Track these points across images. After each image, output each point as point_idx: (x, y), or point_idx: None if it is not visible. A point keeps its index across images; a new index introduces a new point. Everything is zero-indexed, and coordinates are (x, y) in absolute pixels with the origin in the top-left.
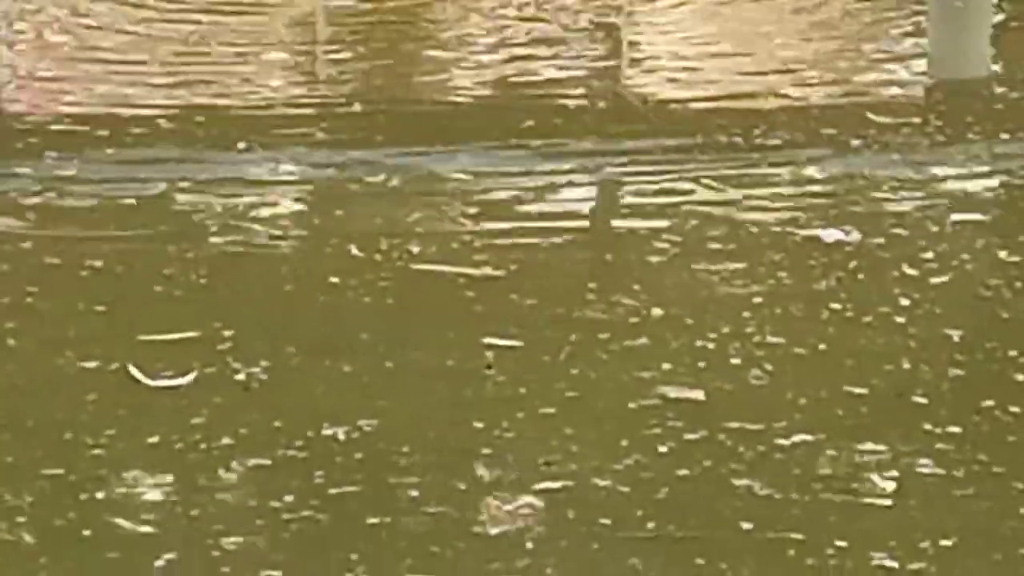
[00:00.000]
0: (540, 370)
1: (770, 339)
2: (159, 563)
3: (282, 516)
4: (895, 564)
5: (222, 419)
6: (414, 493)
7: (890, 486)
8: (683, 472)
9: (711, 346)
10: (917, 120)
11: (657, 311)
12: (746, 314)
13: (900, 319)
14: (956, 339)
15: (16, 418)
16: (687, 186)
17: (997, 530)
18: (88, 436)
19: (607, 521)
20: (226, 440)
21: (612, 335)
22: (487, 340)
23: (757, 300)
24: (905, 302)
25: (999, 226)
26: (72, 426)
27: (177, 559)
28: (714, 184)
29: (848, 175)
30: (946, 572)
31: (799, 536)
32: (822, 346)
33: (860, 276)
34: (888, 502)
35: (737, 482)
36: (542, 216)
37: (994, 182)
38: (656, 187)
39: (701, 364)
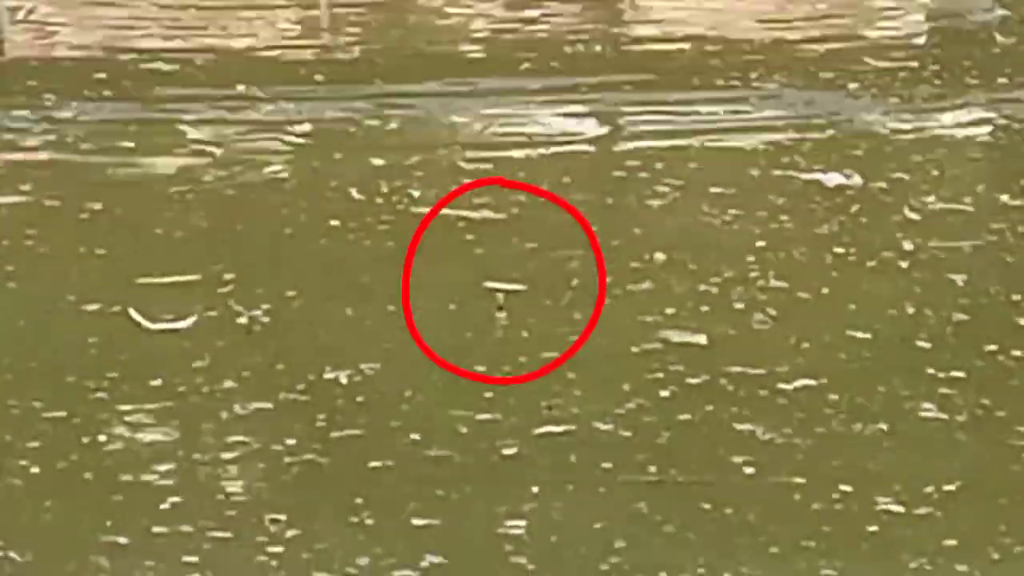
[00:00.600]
0: (542, 314)
1: (773, 283)
2: (164, 506)
3: (284, 460)
4: (901, 508)
5: (224, 362)
6: (416, 437)
7: (893, 431)
8: (685, 417)
9: (714, 290)
10: (915, 65)
11: (660, 255)
12: (749, 258)
13: (903, 263)
14: (960, 284)
15: (18, 361)
16: (686, 130)
17: (1000, 475)
18: (90, 379)
19: (609, 465)
20: (228, 383)
21: (615, 279)
22: (489, 284)
23: (760, 244)
24: (908, 246)
25: (1000, 171)
26: (74, 369)
27: (182, 502)
28: (713, 127)
29: (847, 119)
30: (951, 517)
31: (801, 480)
32: (825, 290)
33: (863, 220)
34: (890, 447)
35: (739, 427)
36: (541, 159)
37: (989, 126)
38: (656, 130)
39: (704, 308)
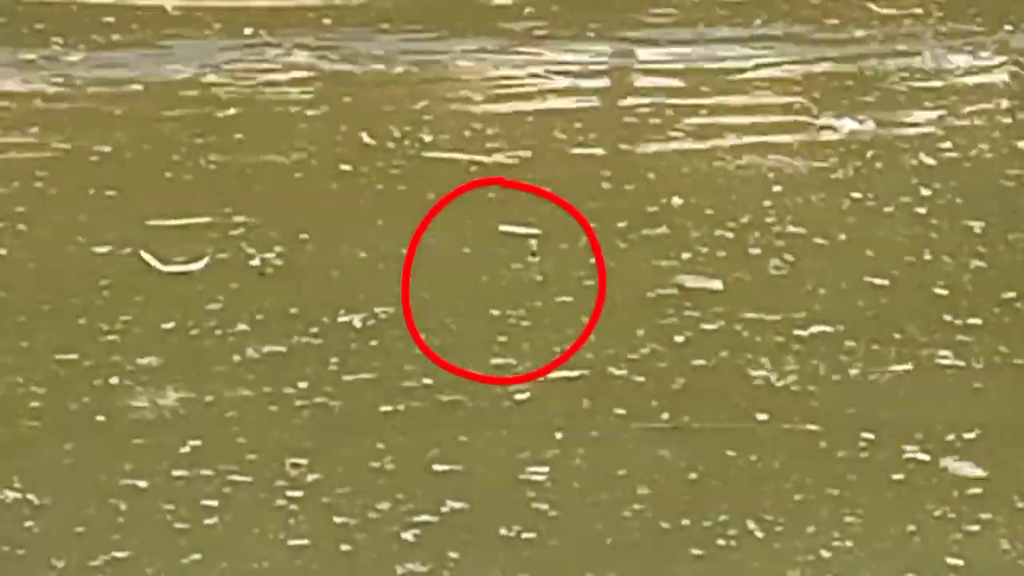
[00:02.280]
0: (557, 258)
1: (790, 229)
2: (184, 449)
3: (295, 403)
4: (926, 456)
5: (237, 305)
6: (428, 381)
7: (909, 378)
8: (699, 362)
9: (730, 235)
10: (921, 11)
11: (677, 200)
12: (766, 203)
13: (921, 210)
14: (977, 231)
15: (30, 304)
16: (698, 76)
17: (1020, 422)
18: (102, 322)
19: (622, 411)
20: (241, 326)
21: (630, 223)
22: (504, 228)
23: (776, 189)
24: (926, 192)
25: (1016, 116)
26: (86, 312)
27: (201, 446)
28: (724, 72)
29: (857, 66)
30: (974, 465)
31: (815, 428)
32: (842, 236)
33: (878, 166)
34: (907, 394)
35: (754, 373)
36: (553, 103)
37: (1004, 73)
38: (666, 72)
39: (720, 253)
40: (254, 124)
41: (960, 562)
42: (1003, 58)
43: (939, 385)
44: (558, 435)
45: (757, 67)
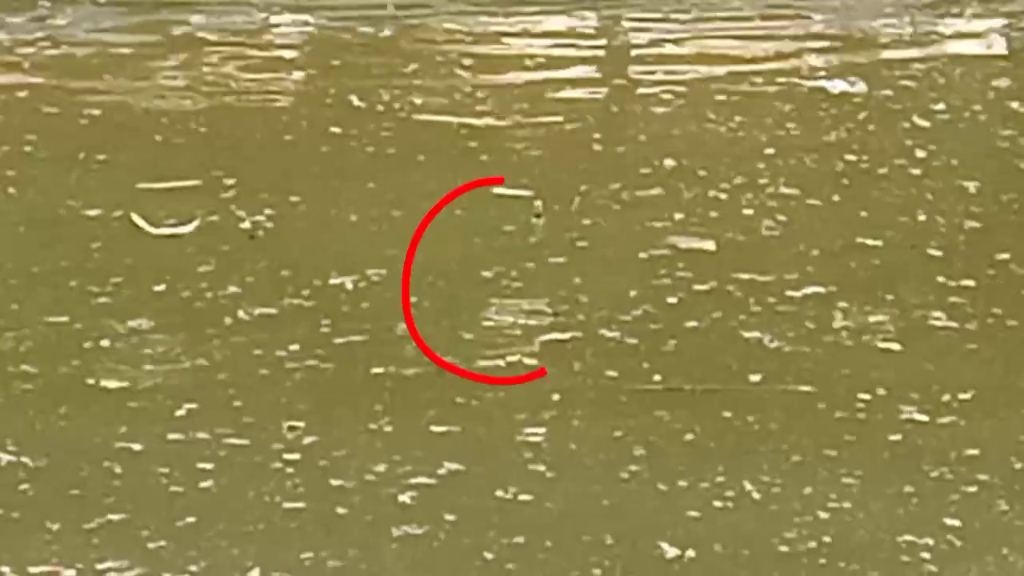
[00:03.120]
0: (550, 219)
1: (783, 190)
2: (180, 412)
3: (286, 365)
4: (924, 417)
5: (228, 267)
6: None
7: (902, 339)
8: (692, 324)
9: (723, 196)
10: None
11: (669, 161)
12: (759, 165)
13: (915, 171)
14: (971, 191)
15: (20, 265)
16: (684, 37)
17: (1013, 384)
18: (93, 284)
19: (614, 373)
20: (232, 289)
21: (623, 185)
22: (497, 190)
23: (769, 151)
24: (921, 154)
25: (1008, 78)
26: (77, 274)
27: (197, 409)
28: (713, 34)
29: (845, 26)
30: (971, 426)
31: (808, 389)
32: (836, 197)
33: (871, 127)
34: (900, 355)
35: (747, 334)
36: (542, 66)
37: (995, 35)
38: (657, 36)
39: (713, 214)
40: (241, 86)
41: (957, 523)
42: (994, 21)
43: (932, 346)
44: (555, 396)
45: (746, 29)
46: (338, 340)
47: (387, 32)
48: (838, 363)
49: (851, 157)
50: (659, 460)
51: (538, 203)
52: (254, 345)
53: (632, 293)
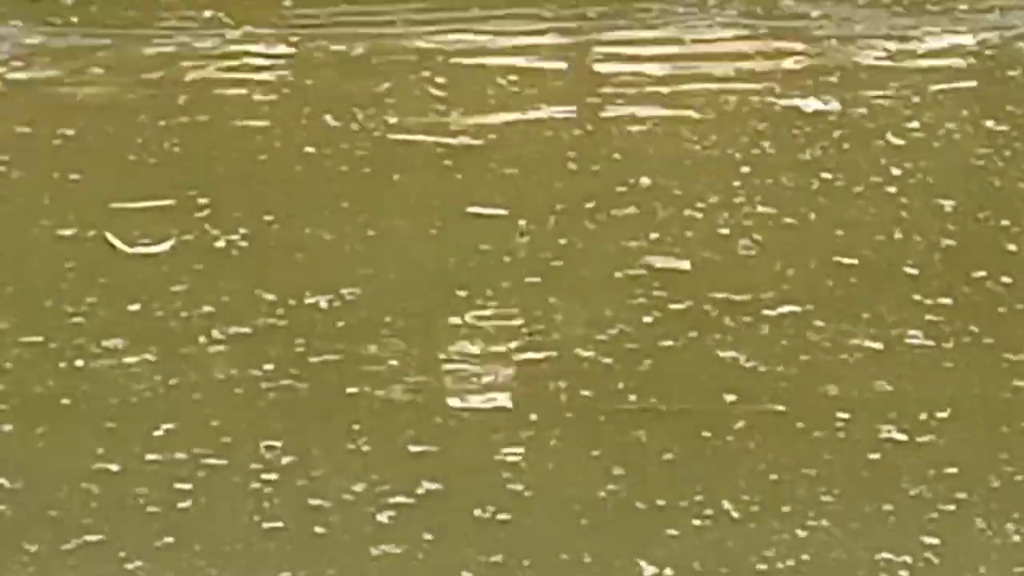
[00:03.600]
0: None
1: (759, 209)
2: (158, 432)
3: (261, 385)
4: (903, 436)
5: (202, 287)
6: (394, 363)
7: (879, 358)
8: (667, 343)
9: (699, 216)
10: None
11: (645, 180)
12: (735, 183)
13: (891, 189)
14: (948, 209)
15: None
16: (657, 54)
17: (990, 402)
18: (68, 304)
19: (589, 393)
20: (207, 308)
21: (598, 204)
22: (472, 210)
23: (745, 170)
24: (896, 172)
25: (982, 96)
26: (51, 294)
27: (176, 429)
28: (685, 54)
29: (818, 46)
30: (950, 444)
31: (782, 408)
32: (812, 216)
33: (846, 146)
34: (876, 374)
35: (722, 354)
36: (515, 85)
37: (971, 50)
38: (629, 56)
39: (688, 234)
40: (213, 107)
41: (936, 541)
42: (961, 39)
43: (909, 365)
44: (533, 416)
45: (718, 48)
46: (313, 359)
47: (359, 51)
48: (814, 382)
49: (827, 175)
50: (637, 479)
51: (522, 223)
52: (229, 365)
53: (607, 312)
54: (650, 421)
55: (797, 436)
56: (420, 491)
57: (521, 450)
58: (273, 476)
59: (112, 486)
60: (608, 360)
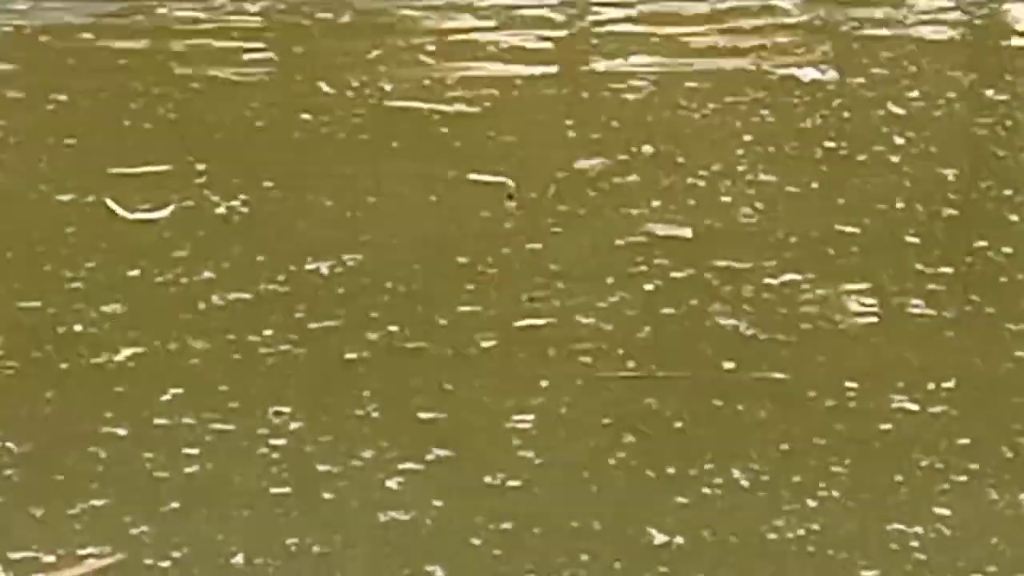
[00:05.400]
0: (526, 206)
1: (761, 177)
2: (165, 397)
3: (260, 351)
4: (916, 407)
5: (203, 253)
6: (393, 329)
7: (880, 327)
8: (668, 311)
9: (701, 184)
10: None
11: (647, 148)
12: (737, 152)
13: (893, 158)
14: (950, 178)
15: None
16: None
17: (993, 371)
18: (67, 269)
19: (588, 360)
20: (207, 274)
21: (599, 172)
22: (473, 176)
23: (747, 138)
24: (899, 141)
25: (980, 66)
26: (50, 259)
27: (183, 393)
28: (680, 21)
29: (809, 15)
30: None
31: (782, 376)
32: (814, 185)
33: (845, 115)
34: (877, 343)
35: (723, 321)
36: (510, 51)
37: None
38: (624, 22)
39: (690, 202)
40: (207, 72)
41: (947, 512)
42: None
43: (911, 333)
44: (543, 383)
45: (713, 16)
46: (313, 325)
47: (346, 18)
48: (815, 351)
49: (829, 144)
50: (648, 447)
51: (511, 184)
52: (228, 330)
53: (608, 280)
54: (663, 389)
55: (808, 406)
56: (430, 457)
57: (531, 417)
58: (281, 442)
59: (119, 451)
60: (608, 327)
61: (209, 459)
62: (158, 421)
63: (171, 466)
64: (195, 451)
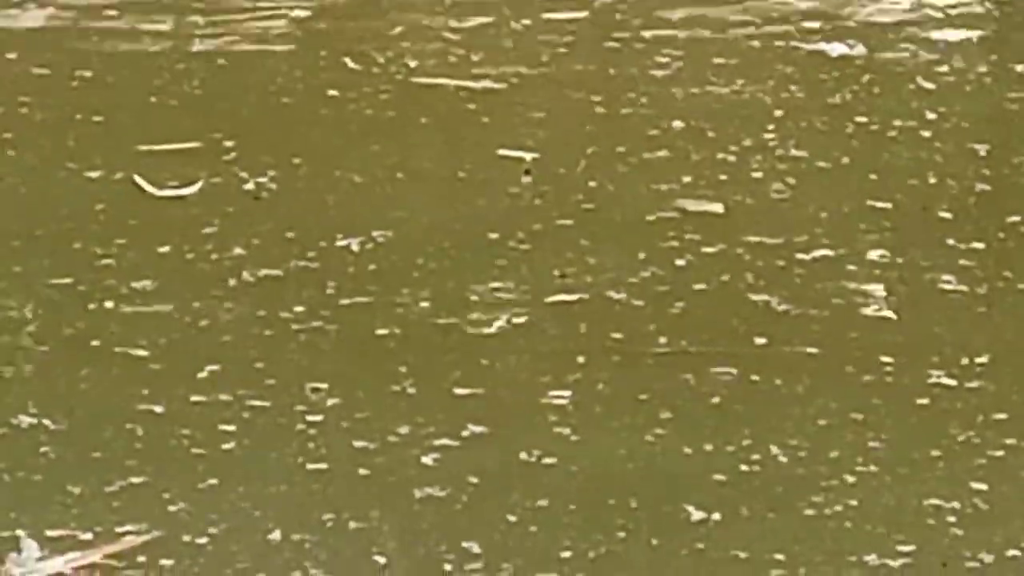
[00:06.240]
0: (556, 182)
1: (793, 152)
2: (202, 374)
3: (291, 327)
4: (953, 382)
5: (233, 229)
6: (425, 305)
7: (911, 303)
8: (700, 286)
9: (732, 159)
10: None
11: (678, 123)
12: (768, 127)
13: (924, 133)
14: (982, 153)
15: (24, 228)
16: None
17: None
18: (97, 246)
19: (619, 336)
20: (237, 250)
21: (630, 148)
22: (502, 152)
23: (778, 113)
24: (930, 115)
25: (1005, 41)
26: (81, 236)
27: (220, 371)
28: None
29: None
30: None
31: (815, 351)
32: (845, 160)
33: (875, 90)
34: (908, 318)
35: (755, 297)
36: (533, 29)
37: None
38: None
39: (721, 177)
40: (232, 48)
41: (984, 487)
42: None
43: (942, 309)
44: (580, 359)
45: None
46: (344, 301)
47: None
48: (847, 326)
49: (860, 119)
50: (685, 423)
51: (528, 158)
52: (259, 306)
53: (640, 256)
54: (699, 364)
55: (843, 381)
56: (465, 434)
57: (568, 393)
58: (318, 418)
59: (157, 427)
60: (640, 303)
61: (246, 436)
62: (195, 398)
63: (208, 443)
64: (232, 428)
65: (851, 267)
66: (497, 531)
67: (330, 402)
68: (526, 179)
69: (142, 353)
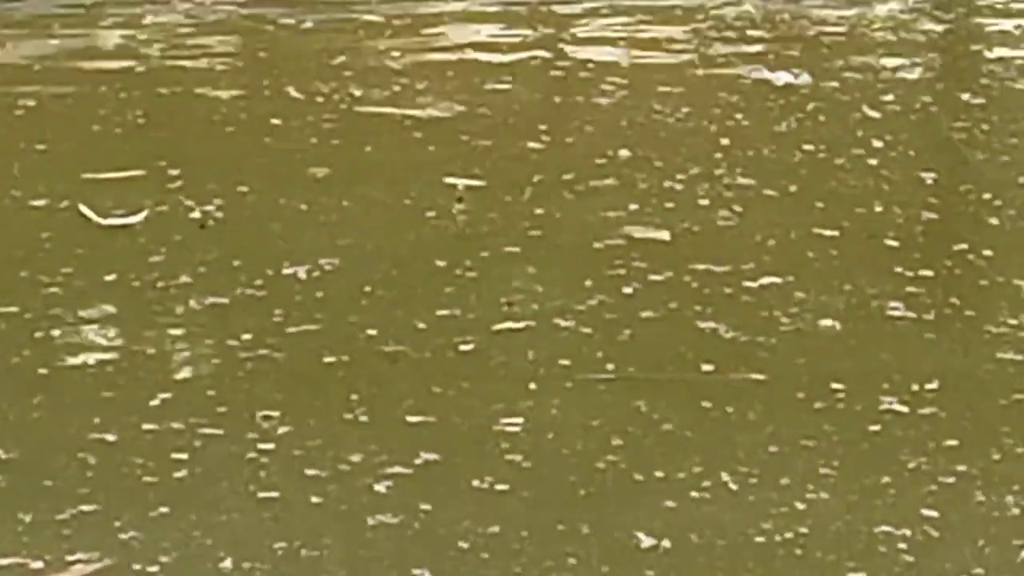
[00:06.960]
0: (503, 209)
1: (739, 180)
2: (154, 402)
3: (239, 355)
4: (904, 408)
5: (179, 258)
6: (372, 332)
7: (859, 330)
8: (647, 314)
9: (678, 187)
10: None
11: (624, 152)
12: (715, 155)
13: (871, 161)
14: (929, 182)
15: None
16: (621, 25)
17: (973, 374)
18: (43, 275)
19: (567, 363)
20: (184, 279)
21: (576, 175)
22: (450, 180)
23: (725, 142)
24: (877, 144)
25: (953, 68)
26: (26, 265)
27: (171, 398)
28: (647, 22)
29: (779, 16)
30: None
31: (764, 378)
32: (792, 188)
33: (821, 118)
34: (856, 345)
35: (702, 324)
36: (481, 51)
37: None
38: (592, 26)
39: (668, 205)
40: (175, 78)
41: (935, 514)
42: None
43: (890, 337)
44: (532, 386)
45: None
46: (291, 329)
47: (308, 24)
48: (794, 353)
49: (807, 147)
50: (636, 450)
51: (460, 185)
52: (206, 335)
53: (587, 283)
54: (652, 392)
55: (794, 408)
56: (418, 461)
57: (520, 420)
58: (270, 446)
59: (108, 456)
60: (587, 330)
61: (197, 464)
62: (146, 426)
63: (159, 471)
64: (183, 456)
65: (799, 294)
66: (449, 558)
67: (281, 430)
68: (459, 206)
69: (91, 382)
